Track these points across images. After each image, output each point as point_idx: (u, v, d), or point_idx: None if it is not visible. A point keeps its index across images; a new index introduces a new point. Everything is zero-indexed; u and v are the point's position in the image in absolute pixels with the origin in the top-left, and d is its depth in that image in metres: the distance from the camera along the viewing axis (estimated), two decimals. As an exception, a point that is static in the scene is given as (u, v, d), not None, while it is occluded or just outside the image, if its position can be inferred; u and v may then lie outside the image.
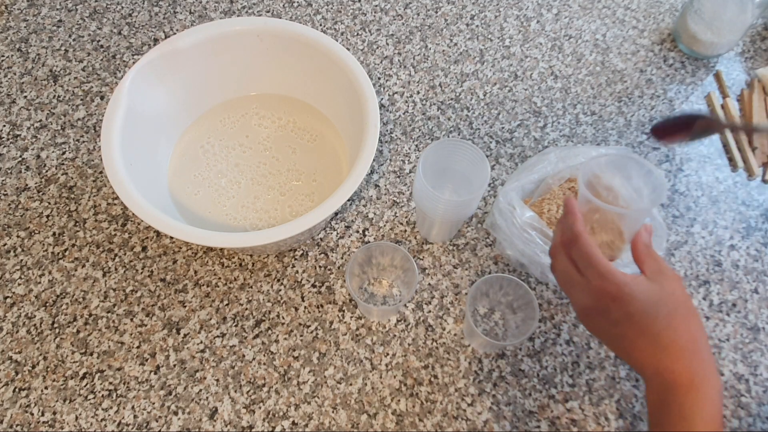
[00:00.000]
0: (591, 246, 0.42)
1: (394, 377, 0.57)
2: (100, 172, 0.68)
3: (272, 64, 0.66)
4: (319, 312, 0.60)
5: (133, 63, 0.76)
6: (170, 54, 0.60)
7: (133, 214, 0.65)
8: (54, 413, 0.56)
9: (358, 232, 0.65)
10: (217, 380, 0.57)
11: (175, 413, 0.56)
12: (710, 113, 0.53)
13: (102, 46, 0.77)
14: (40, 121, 0.72)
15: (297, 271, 0.63)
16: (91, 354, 0.58)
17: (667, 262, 0.53)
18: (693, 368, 0.39)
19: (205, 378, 0.57)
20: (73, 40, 0.78)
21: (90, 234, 0.65)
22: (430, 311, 0.61)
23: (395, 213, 0.66)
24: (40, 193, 0.67)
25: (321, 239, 0.64)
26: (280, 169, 0.66)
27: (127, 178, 0.54)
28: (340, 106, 0.65)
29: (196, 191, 0.64)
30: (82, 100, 0.73)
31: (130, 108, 0.58)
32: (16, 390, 0.57)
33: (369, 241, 0.64)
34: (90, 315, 0.60)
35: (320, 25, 0.79)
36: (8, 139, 0.70)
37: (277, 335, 0.59)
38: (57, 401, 0.56)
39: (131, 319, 0.60)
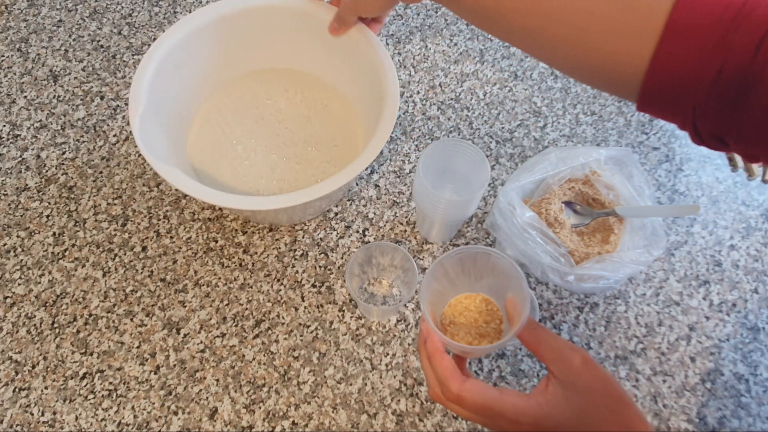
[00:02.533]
0: (484, 396, 0.37)
1: (394, 377, 0.57)
2: (100, 172, 0.68)
3: (286, 39, 0.66)
4: (319, 312, 0.60)
5: (134, 63, 0.76)
6: (188, 33, 0.60)
7: (134, 213, 0.66)
8: (54, 413, 0.56)
9: (358, 232, 0.65)
10: (217, 380, 0.57)
11: (175, 413, 0.56)
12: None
13: (102, 46, 0.77)
14: (40, 121, 0.72)
15: (297, 271, 0.63)
16: (91, 354, 0.58)
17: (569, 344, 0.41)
18: None
19: (205, 378, 0.57)
20: (73, 40, 0.78)
21: (90, 234, 0.65)
22: (430, 311, 0.61)
23: (395, 213, 0.66)
24: (40, 193, 0.67)
25: (321, 239, 0.64)
26: (295, 141, 0.66)
27: (155, 148, 0.53)
28: (355, 76, 0.64)
29: (217, 164, 0.64)
30: (82, 100, 0.73)
31: (152, 85, 0.57)
32: (16, 390, 0.57)
33: (369, 241, 0.64)
34: (90, 315, 0.60)
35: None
36: (8, 139, 0.70)
37: (277, 335, 0.59)
38: (57, 401, 0.56)
39: (131, 319, 0.60)
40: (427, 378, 0.42)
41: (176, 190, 0.67)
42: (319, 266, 0.63)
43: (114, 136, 0.70)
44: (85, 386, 0.57)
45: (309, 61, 0.69)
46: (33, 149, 0.70)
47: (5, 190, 0.67)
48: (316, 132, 0.67)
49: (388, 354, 0.58)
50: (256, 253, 0.64)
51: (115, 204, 0.66)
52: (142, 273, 0.62)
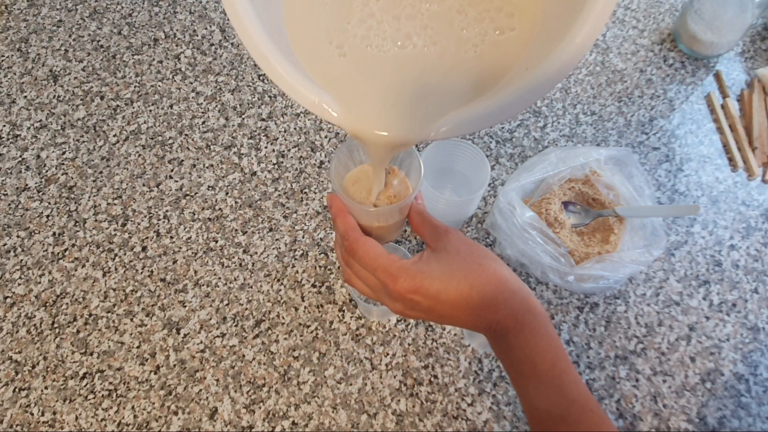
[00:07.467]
0: (374, 250, 0.41)
1: (394, 377, 0.57)
2: (100, 172, 0.68)
3: None
4: (319, 312, 0.60)
5: (134, 63, 0.76)
6: None
7: (134, 213, 0.65)
8: (54, 413, 0.56)
9: (358, 232, 0.65)
10: (217, 380, 0.57)
11: (175, 413, 0.56)
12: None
13: (102, 46, 0.77)
14: (40, 121, 0.72)
15: (297, 271, 0.63)
16: (91, 354, 0.58)
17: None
18: (514, 308, 0.40)
19: (205, 378, 0.57)
20: (73, 40, 0.78)
21: (90, 234, 0.65)
22: (430, 311, 0.61)
23: (395, 213, 0.66)
24: (40, 193, 0.67)
25: (321, 239, 0.64)
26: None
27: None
28: None
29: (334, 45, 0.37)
30: (82, 100, 0.73)
31: None
32: (16, 390, 0.57)
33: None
34: (90, 315, 0.60)
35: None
36: (8, 139, 0.70)
37: (277, 335, 0.59)
38: (57, 401, 0.56)
39: (131, 319, 0.60)
40: (335, 241, 0.46)
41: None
42: (319, 266, 0.63)
43: (114, 136, 0.70)
44: (85, 386, 0.57)
45: None
46: (33, 149, 0.70)
47: (5, 190, 0.67)
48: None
49: (388, 354, 0.58)
50: (256, 253, 0.64)
51: (115, 204, 0.66)
52: (142, 273, 0.62)
